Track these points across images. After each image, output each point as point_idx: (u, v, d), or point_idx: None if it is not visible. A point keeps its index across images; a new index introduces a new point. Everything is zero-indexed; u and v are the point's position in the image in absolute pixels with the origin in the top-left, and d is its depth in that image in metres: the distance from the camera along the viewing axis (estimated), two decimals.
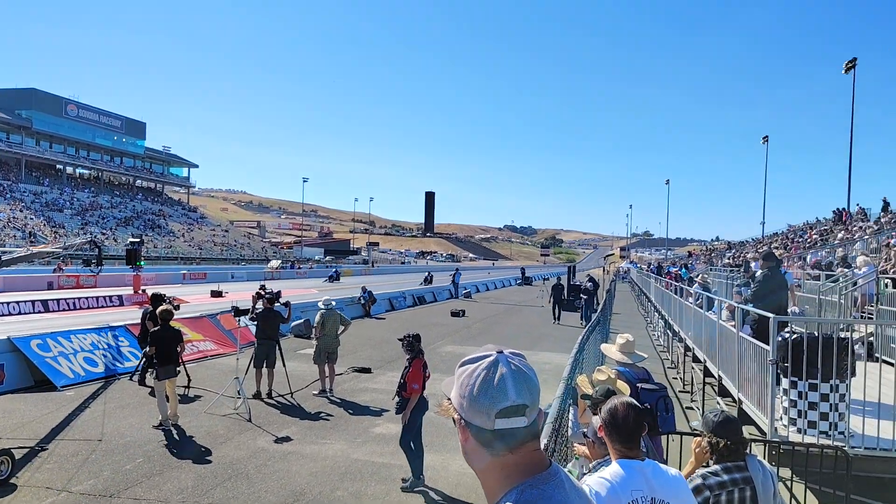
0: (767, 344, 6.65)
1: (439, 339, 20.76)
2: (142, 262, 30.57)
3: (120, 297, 28.80)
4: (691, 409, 12.35)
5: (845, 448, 5.87)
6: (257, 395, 11.90)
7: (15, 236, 62.01)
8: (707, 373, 11.33)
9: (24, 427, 9.70)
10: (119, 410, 10.85)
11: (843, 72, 38.24)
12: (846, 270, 14.32)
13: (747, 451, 3.67)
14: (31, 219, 72.54)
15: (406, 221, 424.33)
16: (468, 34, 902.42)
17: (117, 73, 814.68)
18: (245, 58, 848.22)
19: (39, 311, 24.15)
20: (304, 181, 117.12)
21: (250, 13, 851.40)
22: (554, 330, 24.73)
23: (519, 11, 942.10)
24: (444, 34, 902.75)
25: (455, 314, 29.04)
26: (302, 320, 20.29)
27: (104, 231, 78.54)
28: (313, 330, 13.50)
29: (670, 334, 19.20)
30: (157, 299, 13.24)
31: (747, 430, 6.14)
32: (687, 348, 14.59)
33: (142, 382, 12.69)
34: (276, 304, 12.93)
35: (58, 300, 26.23)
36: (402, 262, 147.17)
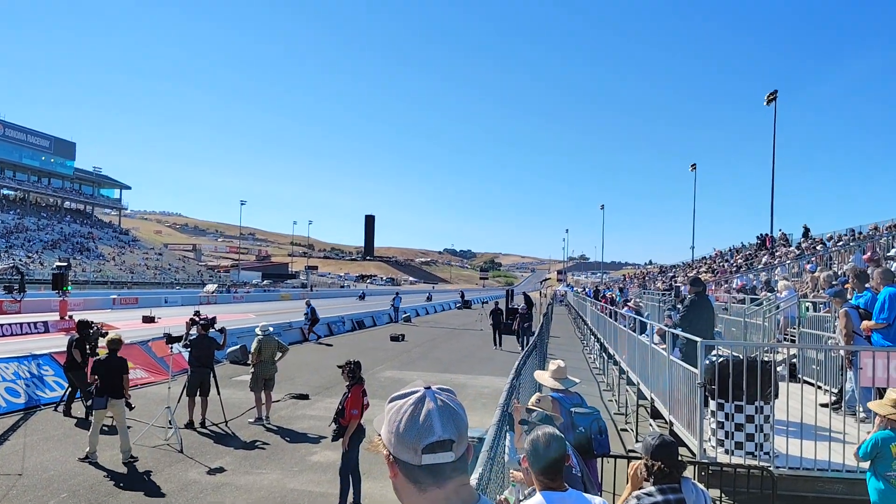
0: (695, 367, 6.86)
1: (379, 365, 20.61)
2: (69, 287, 29.45)
3: (45, 323, 27.64)
4: (626, 431, 12.58)
5: (771, 468, 6.09)
6: (190, 425, 11.57)
7: None
8: (641, 395, 11.57)
9: None
10: (42, 443, 10.39)
11: (765, 103, 40.10)
12: (770, 294, 14.92)
13: (682, 474, 3.77)
14: None
15: (346, 245, 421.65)
16: (405, 60, 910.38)
17: (46, 90, 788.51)
18: (180, 77, 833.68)
19: None
20: (242, 204, 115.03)
21: (183, 32, 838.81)
22: (494, 354, 24.87)
23: (454, 38, 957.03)
24: (381, 58, 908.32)
25: (395, 338, 28.90)
26: (238, 346, 19.87)
27: (30, 254, 75.43)
28: (250, 356, 13.25)
29: (606, 357, 19.56)
30: (85, 326, 12.81)
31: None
32: (622, 371, 14.89)
33: (67, 413, 12.19)
34: (211, 330, 12.66)
35: None
36: (342, 286, 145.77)
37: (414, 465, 1.36)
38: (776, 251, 31.14)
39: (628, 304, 20.30)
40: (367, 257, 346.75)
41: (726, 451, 6.50)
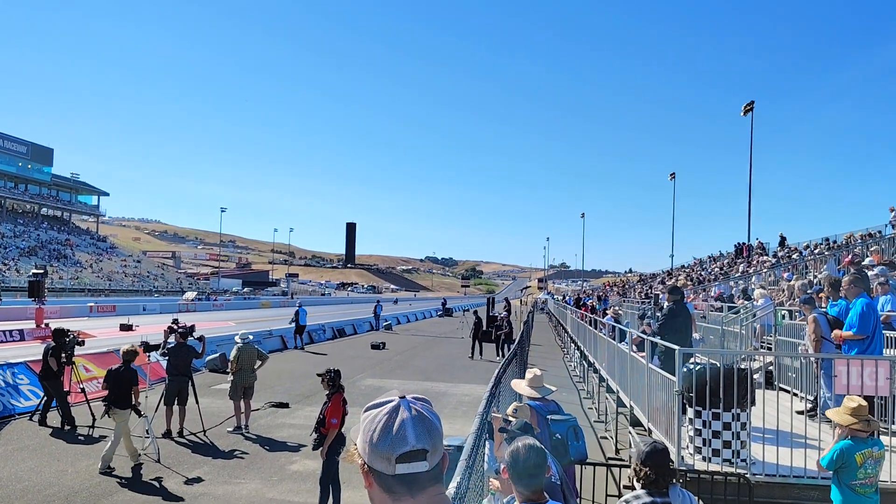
0: (674, 374, 6.92)
1: (359, 373, 20.55)
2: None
3: (21, 331, 27.25)
4: (606, 438, 12.65)
5: (747, 475, 6.15)
6: (167, 434, 11.46)
7: None
8: (620, 403, 11.64)
9: None
10: (16, 453, 10.23)
11: (741, 114, 40.64)
12: (747, 303, 15.08)
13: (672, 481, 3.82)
14: None
15: (327, 252, 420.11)
16: (386, 70, 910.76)
17: (23, 96, 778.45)
18: (160, 84, 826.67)
19: None
20: (222, 211, 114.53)
21: (163, 38, 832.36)
22: (474, 362, 24.87)
23: (435, 49, 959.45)
24: (363, 68, 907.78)
25: (375, 346, 28.82)
26: (217, 354, 19.72)
27: (6, 262, 74.36)
28: (229, 364, 13.16)
29: (586, 365, 19.65)
30: (61, 334, 12.65)
31: None
32: (601, 379, 14.96)
33: (42, 422, 12.03)
34: (190, 339, 12.55)
35: None
36: (323, 294, 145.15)
37: (388, 475, 1.36)
38: (753, 260, 31.52)
39: (607, 312, 20.42)
40: (349, 265, 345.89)
41: (704, 459, 6.55)
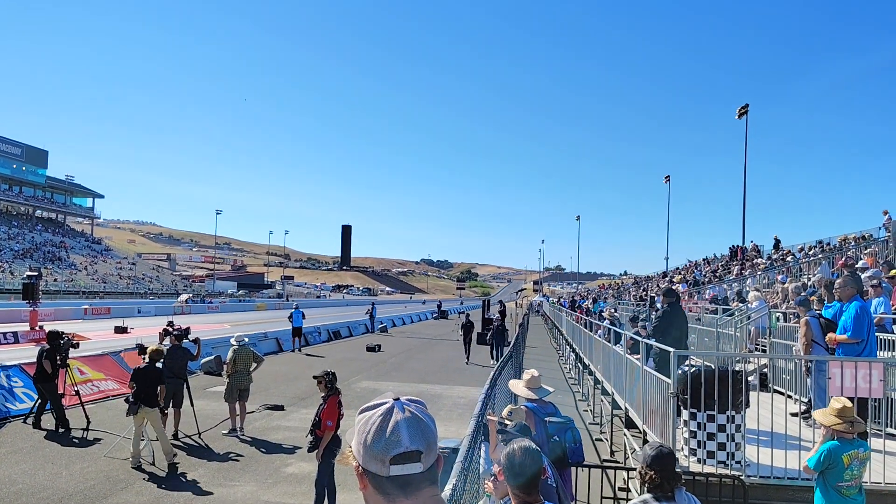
0: (668, 376, 6.94)
1: (355, 375, 20.54)
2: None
3: (15, 333, 27.15)
4: (601, 440, 12.67)
5: (742, 477, 6.17)
6: (175, 436, 11.43)
7: None
8: (615, 405, 11.66)
9: None
10: (10, 456, 10.20)
11: (736, 117, 40.73)
12: (741, 305, 15.12)
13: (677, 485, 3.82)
14: None
15: (322, 255, 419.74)
16: (381, 72, 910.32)
17: (18, 97, 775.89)
18: (153, 85, 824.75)
19: None
20: (218, 213, 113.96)
21: (157, 38, 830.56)
22: (469, 365, 24.81)
23: (432, 43, 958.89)
24: (358, 70, 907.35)
25: (371, 349, 28.80)
26: (212, 357, 19.68)
27: (0, 264, 74.05)
28: (225, 367, 13.14)
29: (581, 367, 19.67)
30: (55, 336, 12.61)
31: None
32: (596, 381, 14.99)
33: (36, 425, 11.99)
34: (185, 341, 12.54)
35: None
36: (318, 296, 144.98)
37: (382, 477, 1.36)
38: (747, 262, 31.61)
39: (603, 314, 20.46)
40: (344, 267, 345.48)
41: (699, 461, 6.57)
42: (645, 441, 8.11)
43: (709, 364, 6.97)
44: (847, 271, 11.61)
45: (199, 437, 11.74)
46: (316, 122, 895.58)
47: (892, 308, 10.26)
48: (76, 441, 11.32)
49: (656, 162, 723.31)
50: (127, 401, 10.31)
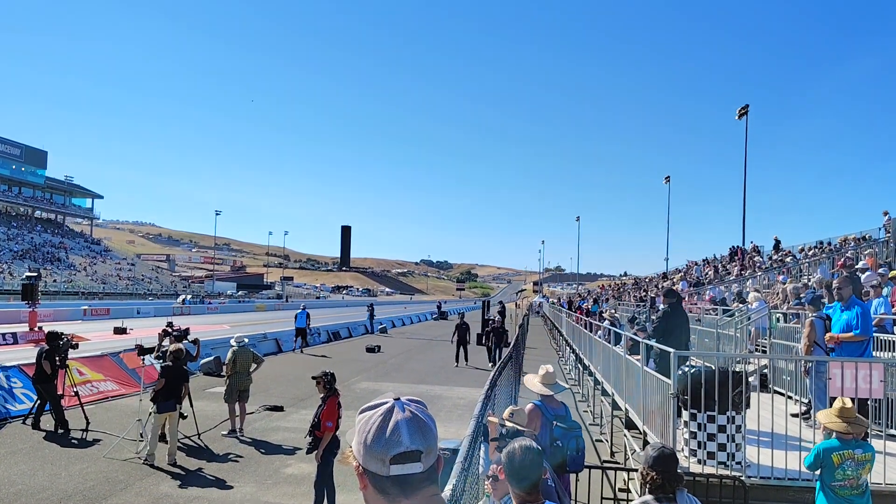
0: (669, 377, 6.93)
1: (354, 376, 20.52)
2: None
3: (14, 334, 27.14)
4: (601, 441, 12.66)
5: (742, 478, 6.16)
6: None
7: None
8: (615, 406, 11.65)
9: None
10: (10, 457, 10.18)
11: (736, 118, 40.70)
12: (742, 306, 15.12)
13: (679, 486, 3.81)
14: None
15: (322, 255, 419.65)
16: (382, 74, 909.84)
17: (17, 98, 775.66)
18: (153, 85, 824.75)
19: None
20: (217, 214, 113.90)
21: (156, 40, 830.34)
22: (474, 363, 24.68)
23: (430, 46, 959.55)
24: (358, 71, 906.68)
25: (370, 350, 28.79)
26: (212, 357, 19.68)
27: None
28: (225, 367, 13.13)
29: (581, 368, 19.66)
30: (54, 337, 12.60)
31: None
32: (596, 382, 14.97)
33: (36, 426, 11.98)
34: (185, 342, 12.54)
35: None
36: (318, 297, 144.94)
37: (382, 476, 1.36)
38: (746, 262, 31.59)
39: (603, 314, 20.44)
40: (344, 268, 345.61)
41: (699, 461, 6.56)
42: (645, 442, 8.10)
43: (709, 365, 6.96)
44: (846, 272, 11.61)
45: (199, 437, 11.73)
46: (316, 123, 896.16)
47: (893, 309, 10.27)
48: (75, 442, 11.31)
49: (656, 162, 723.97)
50: (153, 400, 10.33)
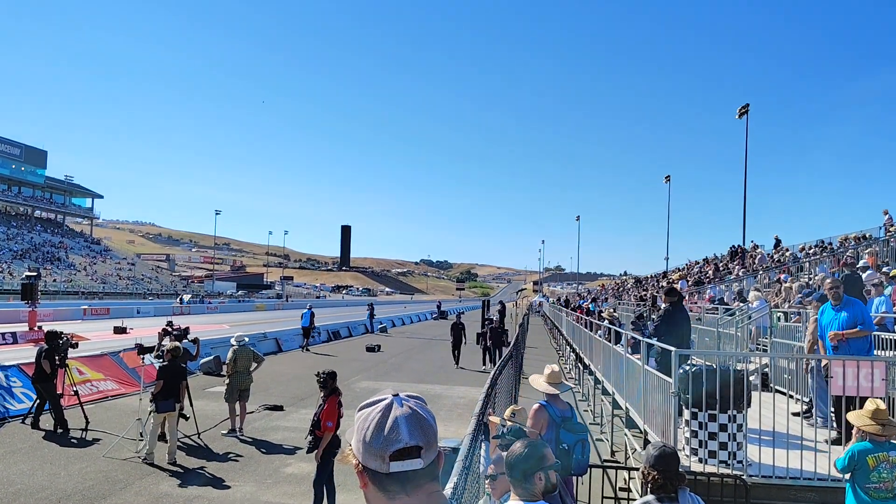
0: (670, 376, 6.91)
1: (354, 375, 20.51)
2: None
3: (14, 334, 27.14)
4: (601, 440, 12.64)
5: (743, 476, 6.14)
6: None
7: None
8: (616, 405, 11.63)
9: None
10: (9, 456, 10.16)
11: (736, 117, 40.59)
12: (742, 305, 15.09)
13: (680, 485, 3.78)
14: None
15: (322, 255, 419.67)
16: (383, 75, 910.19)
17: (17, 98, 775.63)
18: (153, 85, 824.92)
19: None
20: (217, 213, 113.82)
21: (156, 39, 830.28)
22: (468, 364, 24.65)
23: (429, 46, 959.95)
24: (359, 71, 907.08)
25: (370, 349, 28.79)
26: (212, 357, 19.66)
27: None
28: (225, 367, 13.10)
29: (581, 367, 19.64)
30: (53, 336, 12.58)
31: None
32: (597, 381, 14.96)
33: (35, 425, 11.96)
34: (185, 341, 12.52)
35: None
36: (318, 297, 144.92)
37: (382, 474, 1.34)
38: (747, 261, 31.57)
39: (602, 314, 20.40)
40: (344, 268, 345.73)
41: (700, 460, 6.55)
42: (646, 441, 8.08)
43: (710, 364, 6.94)
44: (847, 271, 11.59)
45: (199, 437, 11.71)
46: (315, 123, 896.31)
47: (894, 308, 10.25)
48: (75, 441, 11.29)
49: (656, 162, 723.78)
50: (153, 400, 10.33)
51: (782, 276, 19.60)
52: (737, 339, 13.22)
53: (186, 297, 61.31)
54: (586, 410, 16.03)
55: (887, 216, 23.31)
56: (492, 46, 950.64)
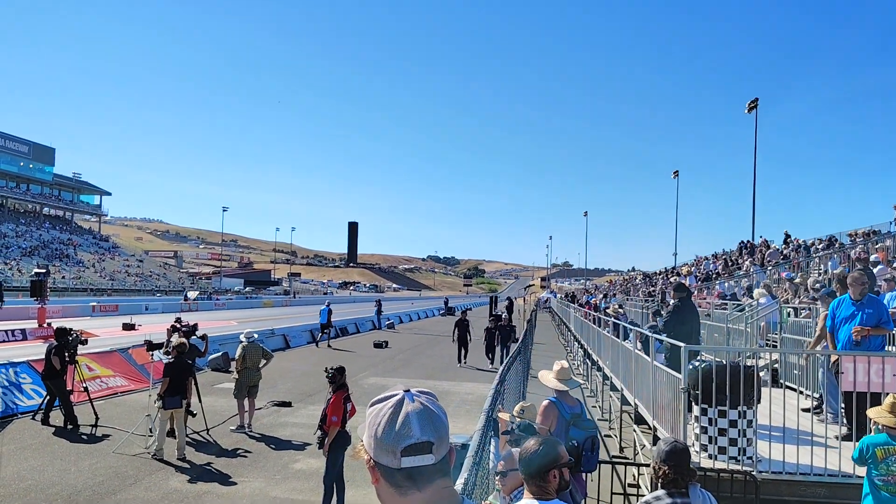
0: (679, 372, 6.88)
1: (362, 371, 20.54)
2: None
3: (23, 330, 27.28)
4: (610, 437, 12.61)
5: (753, 472, 6.11)
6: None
7: None
8: (624, 401, 11.60)
9: None
10: (19, 452, 10.22)
11: (745, 111, 40.44)
12: (752, 300, 15.03)
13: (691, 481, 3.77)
14: None
15: (329, 252, 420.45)
16: (388, 70, 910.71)
17: (25, 95, 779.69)
18: (161, 82, 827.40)
19: None
20: (224, 210, 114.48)
21: (165, 37, 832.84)
22: (476, 361, 24.62)
23: (439, 41, 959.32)
24: (365, 67, 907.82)
25: (378, 345, 28.83)
26: (220, 353, 19.72)
27: (8, 261, 74.44)
28: (234, 363, 13.14)
29: (589, 363, 19.61)
30: (63, 333, 12.63)
31: None
32: (605, 377, 14.92)
33: (45, 422, 12.02)
34: (193, 337, 12.55)
35: None
36: (325, 293, 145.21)
37: (394, 469, 1.34)
38: (756, 257, 31.39)
39: (608, 310, 20.35)
40: (351, 264, 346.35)
41: (710, 456, 6.52)
42: (655, 437, 8.05)
43: (720, 359, 6.91)
44: (860, 266, 11.51)
45: (208, 433, 11.74)
46: (322, 120, 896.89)
47: None
48: (85, 437, 11.35)
49: (665, 157, 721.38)
50: (160, 396, 10.36)
51: (784, 274, 19.49)
52: (746, 334, 13.16)
53: (193, 295, 61.37)
54: (595, 406, 15.99)
55: None
56: (499, 41, 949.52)
